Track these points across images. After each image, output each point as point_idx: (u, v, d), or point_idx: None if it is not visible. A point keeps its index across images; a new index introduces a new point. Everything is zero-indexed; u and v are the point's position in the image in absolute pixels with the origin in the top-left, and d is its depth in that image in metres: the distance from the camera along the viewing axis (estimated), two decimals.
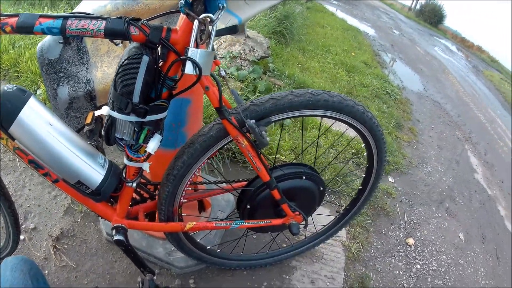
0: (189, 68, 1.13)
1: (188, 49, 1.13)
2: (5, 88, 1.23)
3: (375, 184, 1.99)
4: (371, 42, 10.58)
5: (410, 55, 11.60)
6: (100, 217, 1.62)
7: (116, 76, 1.18)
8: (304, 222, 1.85)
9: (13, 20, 1.12)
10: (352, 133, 1.83)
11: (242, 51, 4.09)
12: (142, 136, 1.27)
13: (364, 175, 1.99)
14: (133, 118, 1.21)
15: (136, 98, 1.18)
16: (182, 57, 1.14)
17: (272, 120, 1.43)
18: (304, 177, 1.74)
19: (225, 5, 1.13)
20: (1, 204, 1.70)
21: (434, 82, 9.47)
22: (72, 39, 1.28)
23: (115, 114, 1.22)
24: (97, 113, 1.27)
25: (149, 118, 1.22)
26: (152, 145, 1.28)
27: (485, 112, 9.58)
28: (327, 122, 4.08)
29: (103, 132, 1.30)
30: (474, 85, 12.73)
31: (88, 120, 1.44)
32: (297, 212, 1.77)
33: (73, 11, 1.76)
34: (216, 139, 1.43)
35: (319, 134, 3.81)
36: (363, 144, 1.79)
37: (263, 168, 1.52)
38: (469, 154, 5.85)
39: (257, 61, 4.15)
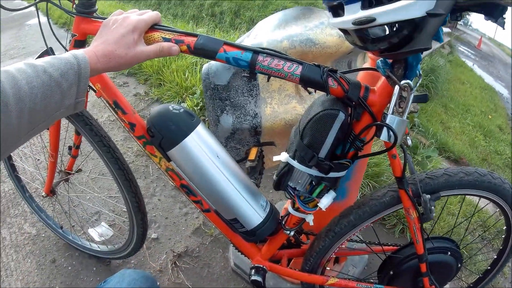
0: (384, 135, 1.07)
1: (386, 115, 1.07)
2: (170, 108, 1.23)
3: (503, 266, 1.88)
4: (505, 104, 10.20)
5: None
6: (232, 247, 1.60)
7: (306, 126, 1.14)
8: None
9: (190, 40, 1.09)
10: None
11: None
12: (317, 191, 1.21)
13: (495, 256, 1.86)
14: (314, 172, 1.16)
15: (323, 154, 1.13)
16: (381, 123, 1.08)
17: (441, 195, 1.36)
18: (449, 253, 1.65)
19: (421, 73, 1.07)
20: (133, 215, 1.75)
21: None
22: (256, 74, 1.25)
23: (295, 163, 1.18)
24: (275, 158, 1.22)
25: (331, 175, 1.17)
26: (326, 202, 1.23)
27: None
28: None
29: (274, 177, 1.26)
30: None
31: (252, 157, 1.43)
32: (433, 286, 1.67)
33: (248, 34, 1.76)
34: (387, 206, 1.38)
35: (473, 213, 3.59)
36: (505, 227, 1.68)
37: (422, 241, 1.45)
38: None
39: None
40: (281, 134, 1.59)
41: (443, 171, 1.37)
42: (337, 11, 0.96)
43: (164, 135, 1.21)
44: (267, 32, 1.62)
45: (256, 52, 1.09)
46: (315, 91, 1.15)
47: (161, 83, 4.06)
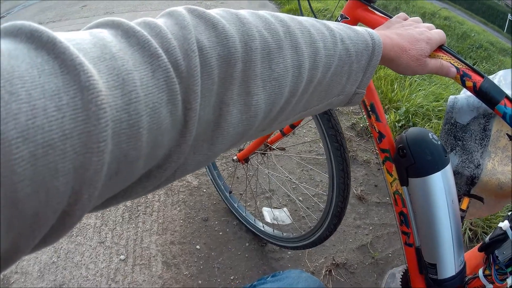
0: None
1: None
2: (430, 136, 1.18)
3: None
4: None
5: None
6: (386, 277, 1.57)
7: None
8: None
9: (477, 79, 1.00)
10: None
11: None
12: None
13: None
14: None
15: None
16: None
17: None
18: None
19: None
20: (329, 218, 1.69)
21: None
22: None
23: None
24: (501, 225, 1.19)
25: None
26: None
27: None
28: None
29: (487, 240, 1.21)
30: None
31: (464, 206, 1.39)
32: None
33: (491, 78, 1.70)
34: None
35: None
36: None
37: None
38: None
39: None
40: (491, 193, 1.54)
41: None
42: None
43: (416, 161, 1.17)
44: (508, 86, 1.58)
45: None
46: None
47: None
